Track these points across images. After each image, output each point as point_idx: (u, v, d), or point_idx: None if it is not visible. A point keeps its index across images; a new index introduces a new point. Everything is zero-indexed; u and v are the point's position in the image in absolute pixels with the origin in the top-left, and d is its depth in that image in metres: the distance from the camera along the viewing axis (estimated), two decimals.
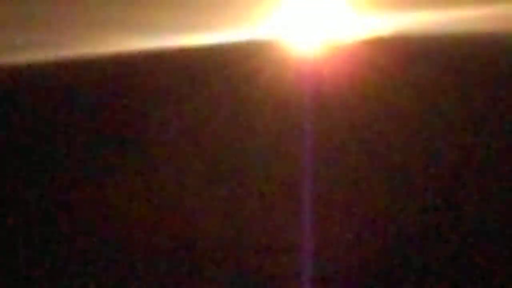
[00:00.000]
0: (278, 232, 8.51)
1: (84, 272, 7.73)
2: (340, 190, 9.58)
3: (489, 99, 13.14)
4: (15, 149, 12.82)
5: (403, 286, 7.19)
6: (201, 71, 16.78)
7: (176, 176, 10.67)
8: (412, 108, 12.59)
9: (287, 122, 12.65)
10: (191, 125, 13.32)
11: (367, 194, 9.39)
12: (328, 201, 9.23)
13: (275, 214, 9.03)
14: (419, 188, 9.37)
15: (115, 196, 9.96)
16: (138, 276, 7.57)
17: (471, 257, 7.49)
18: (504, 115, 12.12)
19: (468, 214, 8.53)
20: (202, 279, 7.53)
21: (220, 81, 16.16)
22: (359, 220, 8.68)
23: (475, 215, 8.51)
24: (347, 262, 7.67)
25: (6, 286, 7.73)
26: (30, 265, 7.99)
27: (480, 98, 13.10)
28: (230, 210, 9.14)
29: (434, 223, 8.30)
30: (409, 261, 7.58)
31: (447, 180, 9.58)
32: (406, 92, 13.63)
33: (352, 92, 13.92)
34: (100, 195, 10.05)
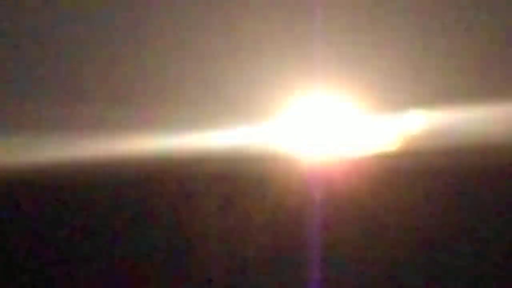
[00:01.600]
0: None
1: None
2: None
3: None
4: None
5: None
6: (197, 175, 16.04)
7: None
8: (421, 228, 11.70)
9: (291, 240, 11.77)
10: (184, 238, 12.41)
11: None
12: None
13: None
14: None
15: None
16: None
17: None
18: None
19: None
20: None
21: (220, 189, 15.36)
22: None
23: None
24: None
25: None
26: None
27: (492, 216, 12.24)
28: None
29: None
30: None
31: None
32: (416, 212, 12.77)
33: (357, 211, 13.04)
34: None
